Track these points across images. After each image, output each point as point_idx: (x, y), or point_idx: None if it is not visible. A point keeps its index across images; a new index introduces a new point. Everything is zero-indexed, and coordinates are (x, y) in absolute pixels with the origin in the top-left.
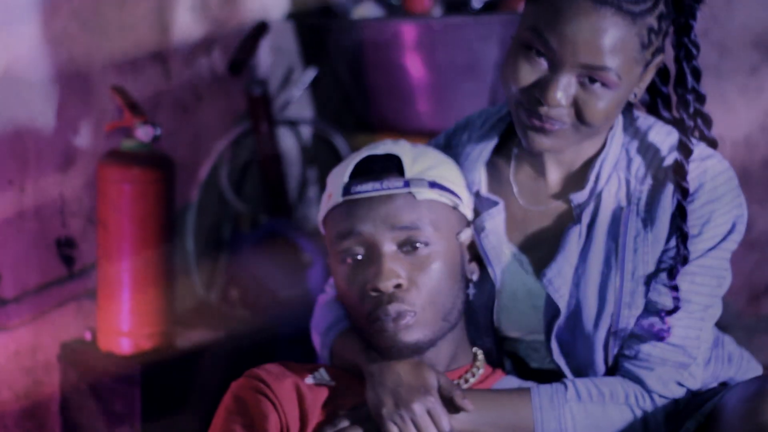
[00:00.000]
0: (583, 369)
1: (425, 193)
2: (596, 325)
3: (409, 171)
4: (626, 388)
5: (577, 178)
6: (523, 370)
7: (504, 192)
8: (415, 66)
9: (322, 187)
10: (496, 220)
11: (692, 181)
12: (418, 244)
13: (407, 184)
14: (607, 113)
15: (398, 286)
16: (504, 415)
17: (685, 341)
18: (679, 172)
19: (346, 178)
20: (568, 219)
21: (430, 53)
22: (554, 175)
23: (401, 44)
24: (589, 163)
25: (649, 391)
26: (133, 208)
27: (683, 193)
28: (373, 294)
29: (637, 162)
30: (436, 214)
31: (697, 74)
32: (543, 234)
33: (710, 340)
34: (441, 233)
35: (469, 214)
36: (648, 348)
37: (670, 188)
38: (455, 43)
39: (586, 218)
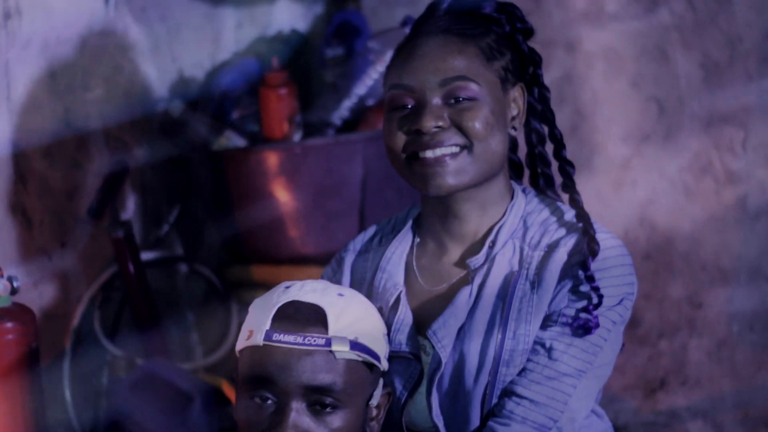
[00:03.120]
0: (459, 427)
1: (345, 354)
2: (476, 380)
3: (333, 327)
4: None
5: (476, 248)
6: None
7: (409, 279)
8: (281, 192)
9: (199, 323)
10: (407, 330)
11: (577, 257)
12: (326, 406)
13: (329, 342)
14: (487, 125)
15: None
16: None
17: (551, 402)
18: (584, 226)
19: (268, 323)
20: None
21: (295, 178)
22: (456, 251)
23: (265, 171)
24: (488, 234)
25: None
26: None
27: (592, 252)
28: None
29: (533, 231)
30: (351, 375)
31: (556, 140)
32: (442, 311)
33: (582, 412)
34: (351, 397)
35: (385, 366)
36: (512, 405)
37: (559, 254)
38: (318, 165)
39: (478, 279)
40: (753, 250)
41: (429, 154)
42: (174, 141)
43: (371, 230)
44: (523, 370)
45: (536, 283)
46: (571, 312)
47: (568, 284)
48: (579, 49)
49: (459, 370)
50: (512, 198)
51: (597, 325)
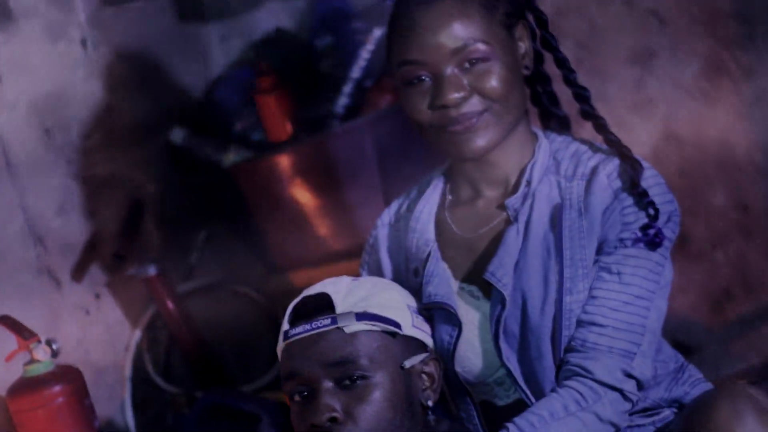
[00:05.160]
0: (533, 366)
1: (354, 326)
2: (542, 313)
3: (340, 306)
4: (564, 399)
5: (512, 190)
6: (492, 412)
7: (444, 231)
8: (299, 194)
9: (250, 342)
10: (437, 280)
11: (621, 178)
12: (355, 377)
13: (334, 320)
14: (505, 82)
15: (334, 419)
16: None
17: (631, 327)
18: (619, 148)
19: (286, 324)
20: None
21: (310, 177)
22: (491, 196)
23: (278, 177)
24: (521, 176)
25: (596, 382)
26: (53, 430)
27: (636, 170)
28: (314, 429)
29: (565, 164)
30: (370, 344)
31: (564, 66)
32: (486, 254)
33: (658, 333)
34: (379, 364)
35: (420, 335)
36: (594, 337)
37: (600, 180)
38: (331, 158)
39: (522, 217)
40: None
41: (457, 126)
42: (184, 168)
43: (396, 202)
44: (595, 298)
45: (582, 210)
46: (631, 233)
47: (619, 207)
48: None
49: (523, 307)
50: (537, 140)
51: (664, 236)
